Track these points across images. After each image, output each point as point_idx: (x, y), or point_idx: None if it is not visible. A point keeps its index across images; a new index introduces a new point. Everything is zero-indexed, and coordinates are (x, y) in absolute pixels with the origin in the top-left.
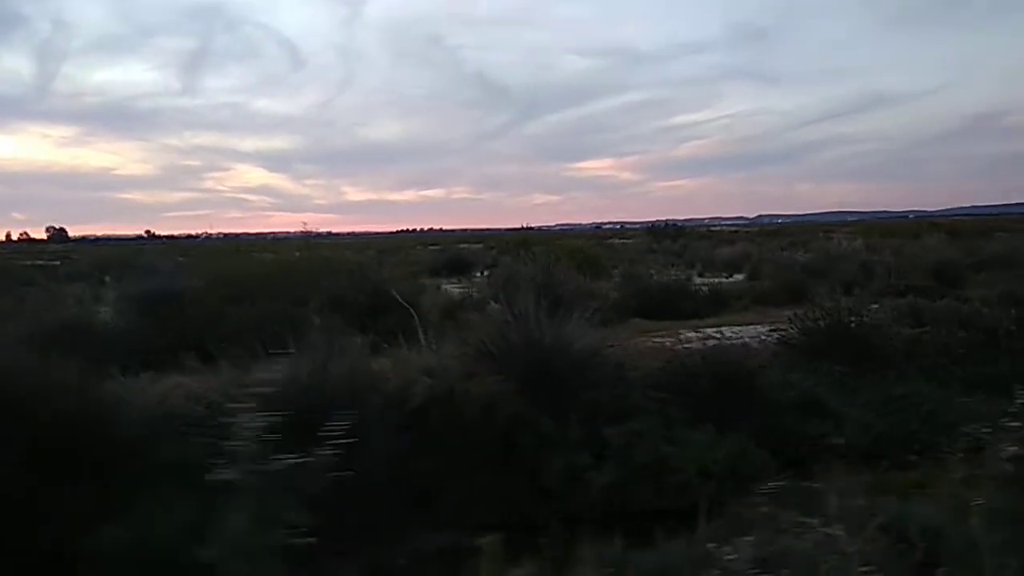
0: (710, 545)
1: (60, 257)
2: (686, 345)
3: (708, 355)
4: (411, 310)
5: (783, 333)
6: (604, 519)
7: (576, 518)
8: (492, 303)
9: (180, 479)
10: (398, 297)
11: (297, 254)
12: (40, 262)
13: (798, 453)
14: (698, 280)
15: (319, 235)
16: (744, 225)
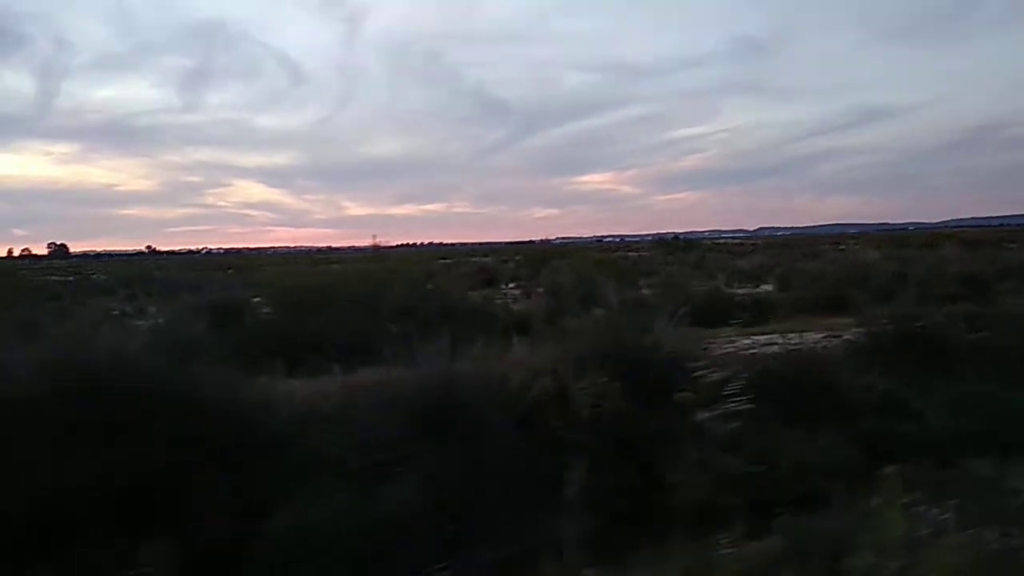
0: (920, 508)
1: (73, 273)
2: (753, 351)
3: (789, 358)
4: (494, 316)
5: (850, 338)
6: (714, 509)
7: (686, 507)
8: (595, 308)
9: (327, 469)
10: (483, 306)
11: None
12: (55, 277)
13: (883, 449)
14: (728, 291)
15: (387, 248)
16: (745, 237)
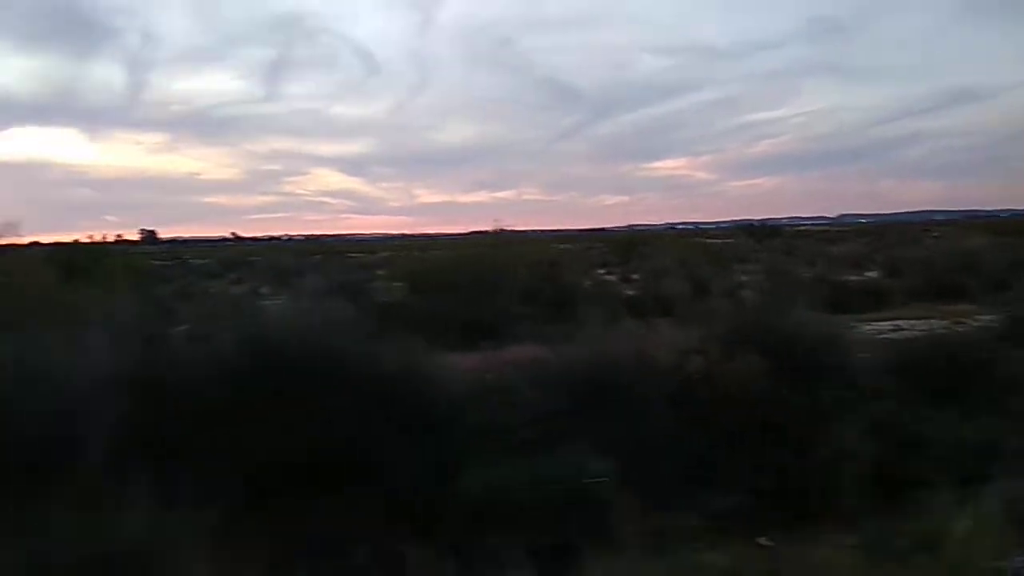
0: None
1: (169, 257)
2: (883, 336)
3: (933, 343)
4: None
5: (982, 324)
6: (868, 487)
7: (832, 487)
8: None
9: (498, 438)
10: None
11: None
12: (156, 262)
13: None
14: (836, 278)
15: (511, 232)
16: (827, 224)
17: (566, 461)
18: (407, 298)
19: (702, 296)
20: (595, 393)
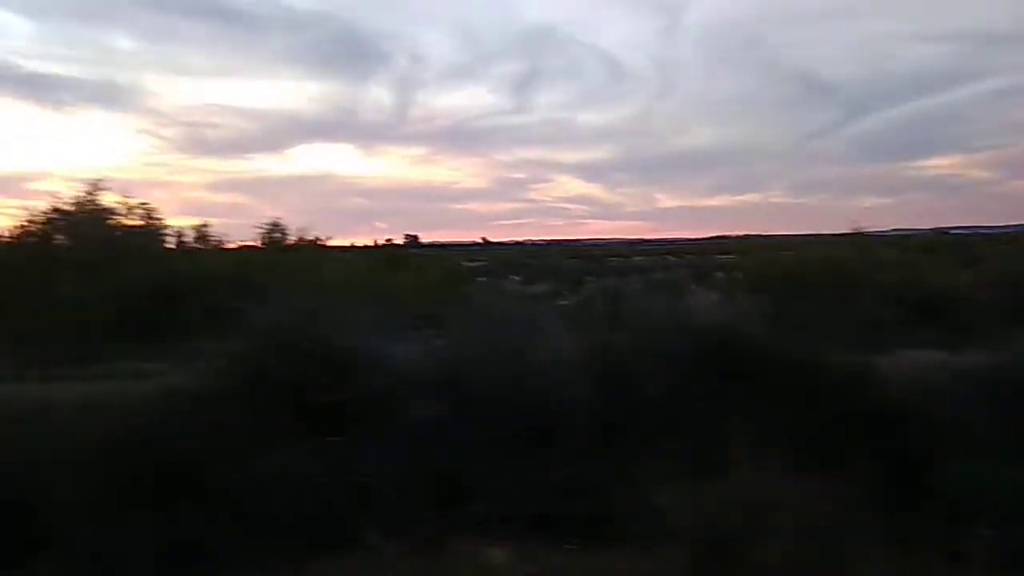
0: None
1: (442, 260)
2: None
3: None
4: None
5: None
6: None
7: None
8: None
9: (955, 435)
10: None
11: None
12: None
13: None
14: None
15: (872, 234)
16: None
17: None
18: (760, 299)
19: None
20: None
